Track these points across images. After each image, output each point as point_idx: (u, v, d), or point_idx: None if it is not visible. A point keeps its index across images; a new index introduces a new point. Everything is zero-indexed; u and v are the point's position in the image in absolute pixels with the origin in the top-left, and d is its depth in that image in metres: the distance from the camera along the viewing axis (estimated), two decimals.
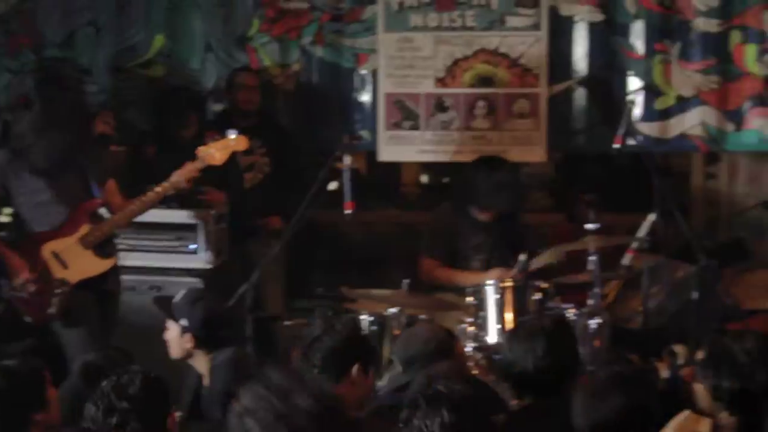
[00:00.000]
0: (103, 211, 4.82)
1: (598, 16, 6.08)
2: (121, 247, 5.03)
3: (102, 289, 4.78)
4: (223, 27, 6.38)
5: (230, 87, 5.91)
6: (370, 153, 6.37)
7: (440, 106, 6.19)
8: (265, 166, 5.81)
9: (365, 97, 6.33)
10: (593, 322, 4.44)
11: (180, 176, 4.66)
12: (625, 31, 6.10)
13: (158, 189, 4.68)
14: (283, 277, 5.83)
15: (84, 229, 4.69)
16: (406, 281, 4.63)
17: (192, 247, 5.31)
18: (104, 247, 4.75)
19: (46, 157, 4.64)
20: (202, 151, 4.73)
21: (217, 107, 6.25)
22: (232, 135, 4.84)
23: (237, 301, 4.97)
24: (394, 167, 6.56)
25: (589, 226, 4.71)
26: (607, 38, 6.10)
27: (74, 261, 4.67)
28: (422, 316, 4.64)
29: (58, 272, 4.66)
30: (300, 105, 6.37)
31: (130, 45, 6.48)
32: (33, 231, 4.72)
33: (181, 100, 5.66)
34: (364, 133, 6.32)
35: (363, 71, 6.32)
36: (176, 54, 6.42)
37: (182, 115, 5.55)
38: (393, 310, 4.50)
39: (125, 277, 5.13)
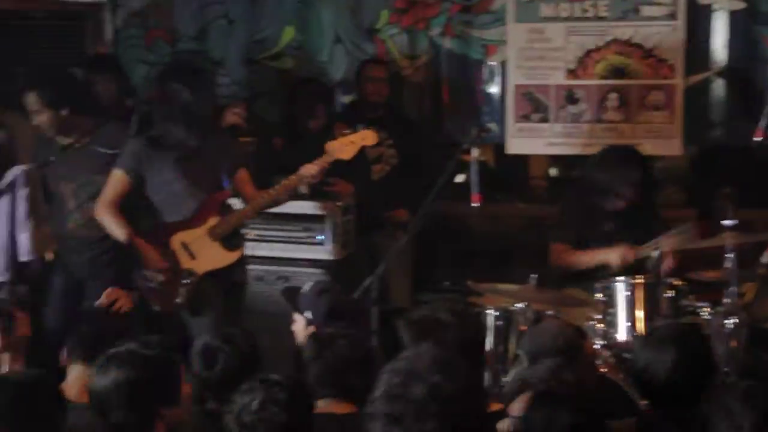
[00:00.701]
0: (233, 203, 4.86)
1: (739, 4, 5.86)
2: (249, 237, 5.06)
3: (229, 280, 4.81)
4: (352, 18, 6.42)
5: (359, 79, 5.93)
6: (498, 145, 6.32)
7: (571, 98, 6.11)
8: (393, 158, 5.80)
9: (494, 89, 6.28)
10: (729, 323, 4.25)
11: (309, 170, 4.67)
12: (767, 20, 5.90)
13: (286, 182, 4.70)
14: (409, 270, 5.83)
15: (212, 220, 4.72)
16: (533, 276, 4.54)
17: (319, 238, 5.33)
18: (232, 239, 4.78)
19: (178, 147, 4.72)
20: (330, 145, 4.73)
21: (346, 99, 6.30)
22: (362, 129, 4.84)
23: (363, 293, 4.90)
24: (523, 160, 6.47)
25: (726, 222, 4.53)
26: (749, 27, 5.88)
27: (202, 252, 4.70)
28: (550, 312, 4.52)
29: (187, 263, 4.71)
30: (428, 97, 6.37)
31: (261, 37, 6.60)
32: (164, 221, 4.79)
33: (310, 92, 5.67)
34: (492, 126, 6.26)
35: (492, 63, 6.28)
36: (305, 46, 6.49)
37: (311, 107, 5.56)
38: (520, 305, 4.41)
39: (254, 267, 5.18)
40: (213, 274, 4.73)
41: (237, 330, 3.58)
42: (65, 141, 4.94)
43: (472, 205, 5.10)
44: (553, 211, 5.54)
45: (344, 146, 4.73)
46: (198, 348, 3.45)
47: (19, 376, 2.93)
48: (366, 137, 4.81)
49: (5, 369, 3.60)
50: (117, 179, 4.75)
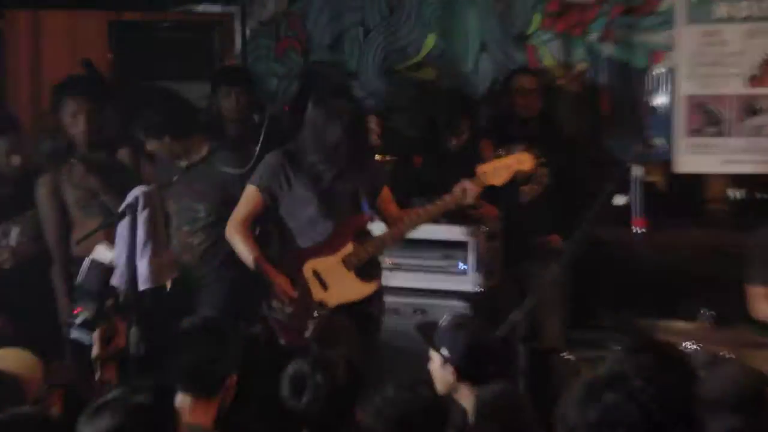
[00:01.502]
0: (372, 229, 4.83)
1: None
2: (384, 265, 5.00)
3: (363, 314, 4.74)
4: (500, 24, 6.41)
5: (507, 90, 5.88)
6: (666, 163, 6.14)
7: (751, 108, 5.90)
8: (545, 178, 5.73)
9: (661, 100, 6.13)
10: None
11: (457, 197, 4.61)
12: None
13: (431, 208, 4.66)
14: (563, 304, 5.73)
15: (348, 248, 4.68)
16: (708, 312, 4.41)
17: (461, 267, 5.30)
18: (368, 268, 4.74)
19: (314, 166, 4.67)
20: (482, 169, 4.67)
21: (492, 113, 6.22)
22: (518, 151, 4.85)
23: (509, 329, 4.77)
24: (697, 180, 6.27)
25: None
26: None
27: (335, 282, 4.67)
28: (727, 354, 4.30)
29: (318, 294, 4.67)
30: (586, 109, 6.30)
31: (400, 46, 6.67)
32: (296, 246, 4.75)
33: (452, 105, 5.66)
34: (659, 141, 6.11)
35: (658, 71, 6.14)
36: (449, 55, 6.49)
37: (454, 122, 5.54)
38: (692, 345, 4.25)
39: (388, 299, 5.08)
40: (347, 307, 4.68)
41: (335, 356, 3.53)
42: (183, 162, 5.12)
43: (636, 230, 5.18)
44: (735, 239, 5.35)
45: (497, 170, 4.65)
46: (288, 373, 3.43)
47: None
48: (522, 161, 4.73)
49: (99, 377, 3.80)
50: (250, 196, 4.73)
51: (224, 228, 4.78)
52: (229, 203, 4.88)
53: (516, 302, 5.24)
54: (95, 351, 3.77)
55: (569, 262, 5.42)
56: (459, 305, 5.22)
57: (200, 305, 5.03)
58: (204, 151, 5.13)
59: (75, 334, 3.82)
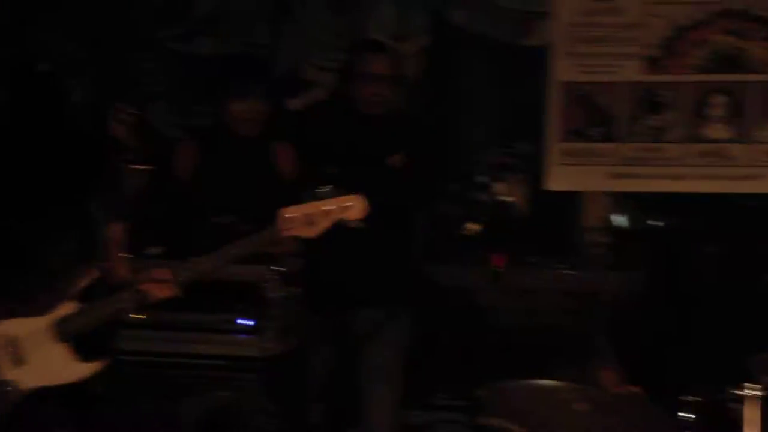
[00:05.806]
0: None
1: None
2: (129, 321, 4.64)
3: (82, 400, 4.46)
4: None
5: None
6: (533, 177, 6.12)
7: (651, 102, 5.90)
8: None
9: (529, 87, 6.07)
10: None
11: (251, 248, 4.30)
12: None
13: (205, 262, 4.26)
14: (398, 373, 5.39)
15: (67, 307, 4.34)
16: None
17: (245, 323, 5.09)
18: (93, 340, 4.36)
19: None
20: (287, 216, 4.30)
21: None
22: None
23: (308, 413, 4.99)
24: (572, 201, 6.20)
25: None
26: None
27: (36, 356, 4.39)
28: None
29: (7, 370, 4.35)
30: (426, 102, 6.22)
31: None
32: None
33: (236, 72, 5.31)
34: (523, 147, 6.14)
35: (529, 46, 6.09)
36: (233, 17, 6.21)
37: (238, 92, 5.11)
38: None
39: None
40: (54, 393, 4.39)
41: None
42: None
43: (493, 269, 5.30)
44: (619, 283, 5.34)
45: (310, 218, 4.29)
46: None
47: None
48: (350, 207, 4.32)
49: None
50: None
51: None
52: None
53: (327, 369, 5.35)
54: None
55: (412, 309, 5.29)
56: (242, 378, 5.05)
57: None
58: None
59: None
